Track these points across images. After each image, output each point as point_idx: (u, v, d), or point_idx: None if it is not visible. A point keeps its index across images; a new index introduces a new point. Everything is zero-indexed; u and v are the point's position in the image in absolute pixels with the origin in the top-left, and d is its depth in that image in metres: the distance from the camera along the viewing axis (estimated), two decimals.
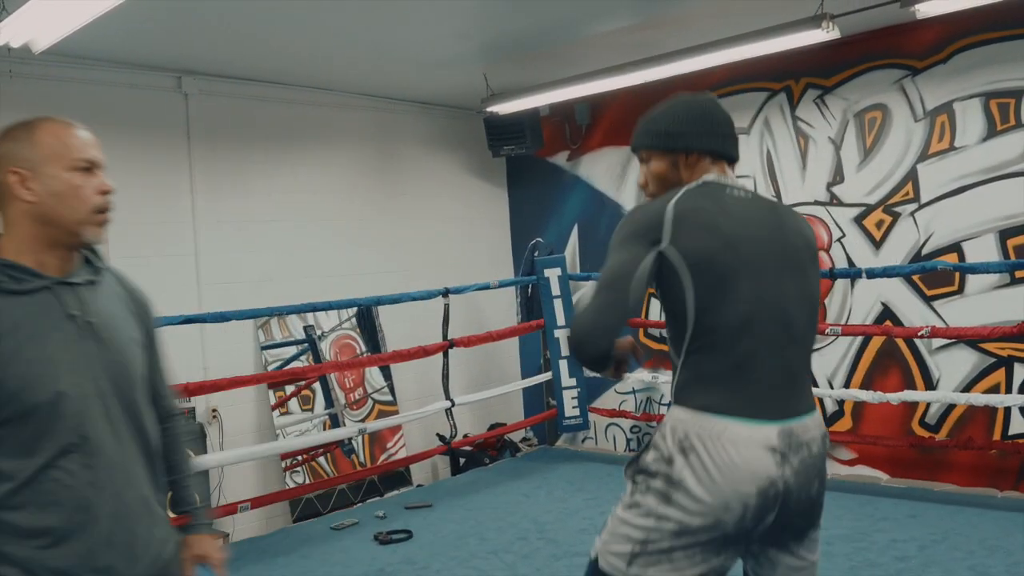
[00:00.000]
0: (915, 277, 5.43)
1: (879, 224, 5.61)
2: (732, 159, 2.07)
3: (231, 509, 4.76)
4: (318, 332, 6.19)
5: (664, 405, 6.74)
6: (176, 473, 1.99)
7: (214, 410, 5.55)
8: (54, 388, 1.63)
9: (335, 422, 6.08)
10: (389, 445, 6.43)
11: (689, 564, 1.81)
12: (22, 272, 1.67)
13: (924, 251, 5.44)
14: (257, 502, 4.93)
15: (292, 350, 6.08)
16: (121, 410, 1.75)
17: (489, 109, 6.38)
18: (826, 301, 5.87)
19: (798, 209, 5.89)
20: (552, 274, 6.48)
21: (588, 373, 6.54)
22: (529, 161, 7.45)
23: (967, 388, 5.29)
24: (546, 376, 6.64)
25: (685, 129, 2.01)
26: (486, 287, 6.16)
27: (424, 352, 5.64)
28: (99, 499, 1.68)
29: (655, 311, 6.75)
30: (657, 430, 1.91)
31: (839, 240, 5.78)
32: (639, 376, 6.53)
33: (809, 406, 1.97)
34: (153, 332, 2.01)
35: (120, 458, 1.73)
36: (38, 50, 4.21)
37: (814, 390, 5.64)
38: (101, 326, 1.74)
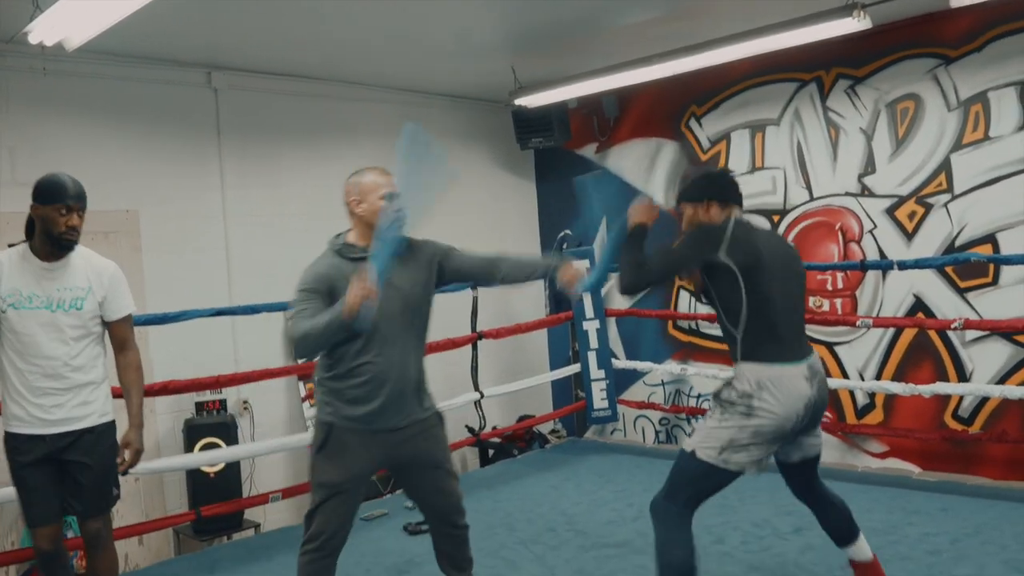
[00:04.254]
0: (948, 269, 5.37)
1: (911, 215, 5.55)
2: (741, 204, 3.21)
3: (262, 499, 4.81)
4: None
5: (693, 397, 6.72)
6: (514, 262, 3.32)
7: (245, 402, 5.61)
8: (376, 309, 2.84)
9: None
10: None
11: (757, 452, 2.89)
12: (355, 249, 2.99)
13: (957, 242, 5.37)
14: (288, 492, 4.97)
15: None
16: (406, 326, 3.01)
17: (517, 102, 6.38)
18: (857, 293, 5.82)
19: (829, 200, 5.87)
20: (580, 267, 6.46)
21: (617, 365, 6.55)
22: (557, 154, 7.44)
23: (1001, 380, 5.23)
24: (575, 368, 6.64)
25: (726, 187, 3.21)
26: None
27: (453, 344, 5.66)
28: (387, 377, 2.96)
29: (683, 303, 6.73)
30: (735, 377, 2.95)
31: (870, 232, 5.73)
32: (668, 368, 6.52)
33: (811, 349, 3.09)
34: (445, 255, 3.19)
35: (402, 355, 3.00)
36: (71, 48, 4.27)
37: (844, 382, 5.65)
38: (395, 278, 2.95)
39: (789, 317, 3.02)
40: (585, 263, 2.96)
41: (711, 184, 3.20)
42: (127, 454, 3.29)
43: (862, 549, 3.34)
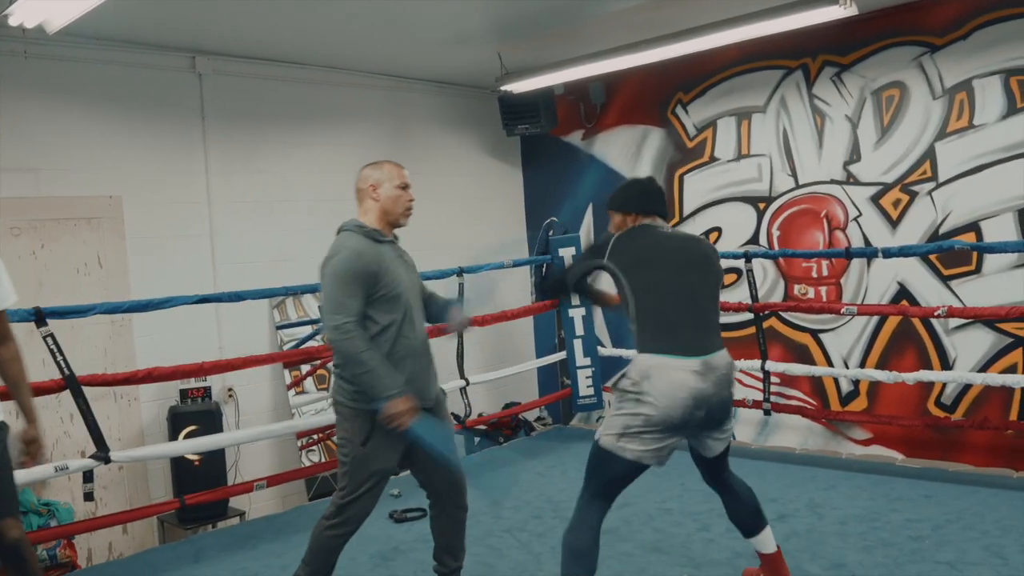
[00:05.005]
0: (932, 256, 5.39)
1: (896, 203, 5.57)
2: (662, 214, 3.39)
3: (247, 487, 4.79)
4: None
5: None
6: (438, 302, 3.51)
7: (230, 389, 5.59)
8: (403, 289, 3.18)
9: None
10: None
11: (651, 441, 3.02)
12: (380, 234, 3.24)
13: (941, 230, 5.39)
14: (273, 480, 4.96)
15: (307, 329, 6.10)
16: (419, 305, 3.32)
17: (503, 88, 6.36)
18: (842, 280, 5.84)
19: (814, 188, 5.88)
20: (567, 253, 6.47)
21: (603, 352, 6.56)
22: (544, 140, 7.42)
23: (984, 368, 5.26)
24: (560, 355, 6.64)
25: (630, 198, 3.41)
26: (500, 266, 6.15)
27: (438, 331, 5.64)
28: (419, 353, 3.22)
29: None
30: (629, 366, 3.11)
31: (855, 219, 5.74)
32: None
33: (718, 345, 3.14)
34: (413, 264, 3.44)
35: (422, 332, 3.29)
36: (52, 30, 4.23)
37: (829, 370, 5.65)
38: (407, 263, 3.32)
39: (684, 313, 3.13)
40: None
41: (626, 195, 3.44)
42: (32, 450, 3.05)
43: (767, 542, 3.42)
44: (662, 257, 3.21)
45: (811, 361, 5.96)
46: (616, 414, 3.07)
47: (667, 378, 2.98)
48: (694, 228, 6.58)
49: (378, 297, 3.12)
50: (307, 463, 5.79)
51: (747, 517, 3.40)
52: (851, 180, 5.75)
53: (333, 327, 3.04)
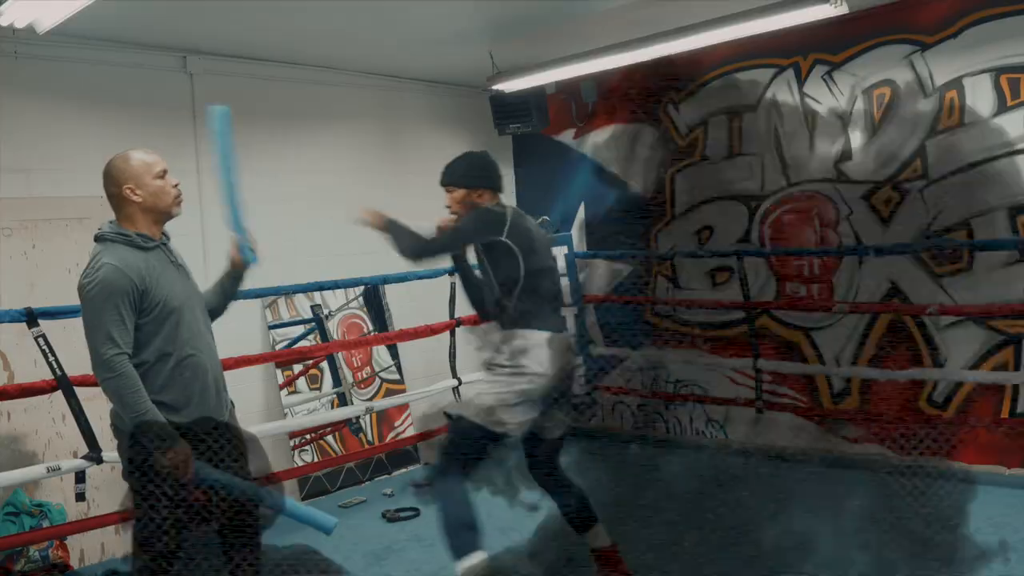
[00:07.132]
0: (923, 254, 5.41)
1: (887, 201, 5.58)
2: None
3: None
4: (325, 311, 6.20)
5: (671, 383, 6.74)
6: (221, 282, 3.33)
7: None
8: (179, 301, 2.85)
9: (343, 401, 6.10)
10: (397, 423, 6.46)
11: (521, 413, 3.26)
12: (147, 239, 2.87)
13: (933, 228, 5.41)
14: (265, 480, 4.94)
15: (299, 329, 6.09)
16: (204, 316, 3.03)
17: (495, 87, 6.35)
18: (834, 279, 5.86)
19: (806, 186, 5.89)
20: (559, 252, 6.47)
21: (595, 351, 6.56)
22: (535, 139, 7.42)
23: (975, 366, 5.28)
24: None
25: (495, 176, 3.64)
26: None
27: (431, 331, 5.64)
28: (208, 369, 2.93)
29: (661, 290, 6.74)
30: (506, 341, 3.36)
31: (847, 218, 5.75)
32: (646, 354, 6.53)
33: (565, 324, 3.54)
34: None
35: (211, 345, 3.01)
36: (42, 30, 4.21)
37: (821, 368, 5.67)
38: (183, 267, 3.03)
39: (557, 292, 3.54)
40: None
41: (487, 173, 3.60)
42: None
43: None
44: (544, 243, 3.57)
45: (803, 359, 5.98)
46: (491, 389, 3.41)
47: (545, 351, 3.38)
48: (685, 227, 6.59)
49: (150, 316, 2.77)
50: (299, 463, 5.77)
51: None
52: (842, 178, 5.77)
53: (99, 362, 2.67)
